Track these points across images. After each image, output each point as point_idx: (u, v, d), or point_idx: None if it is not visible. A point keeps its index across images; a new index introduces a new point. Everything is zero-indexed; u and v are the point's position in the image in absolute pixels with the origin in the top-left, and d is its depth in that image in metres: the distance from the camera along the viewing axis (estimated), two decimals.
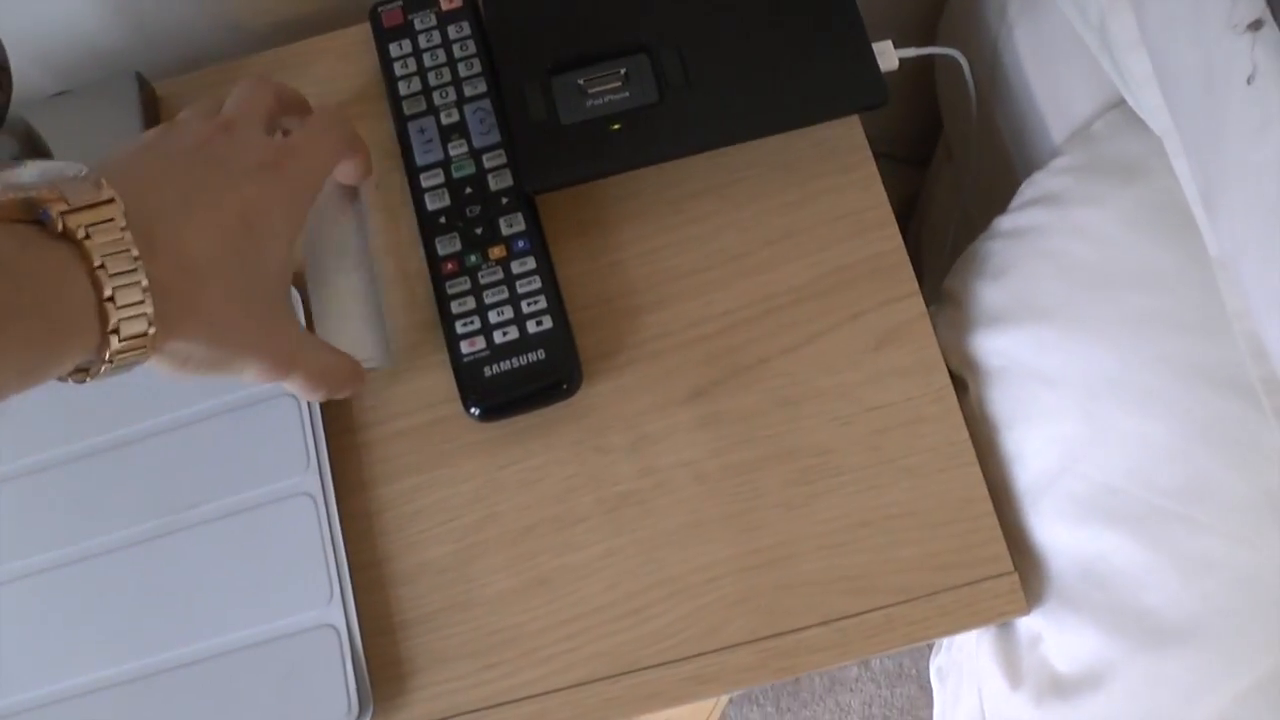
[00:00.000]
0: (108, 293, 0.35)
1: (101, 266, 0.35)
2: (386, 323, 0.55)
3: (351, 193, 0.55)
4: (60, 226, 0.35)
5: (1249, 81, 0.36)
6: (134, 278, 0.36)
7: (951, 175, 0.80)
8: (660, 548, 0.51)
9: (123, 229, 0.36)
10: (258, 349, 0.42)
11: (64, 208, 0.35)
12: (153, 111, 0.62)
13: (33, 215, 0.35)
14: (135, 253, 0.36)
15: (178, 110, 0.58)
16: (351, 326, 0.53)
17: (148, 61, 0.65)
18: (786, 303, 0.54)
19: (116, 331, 0.36)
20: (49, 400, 0.52)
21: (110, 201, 0.36)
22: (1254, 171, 0.36)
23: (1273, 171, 0.35)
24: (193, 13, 0.65)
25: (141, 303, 0.36)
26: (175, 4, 0.64)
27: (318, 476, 0.53)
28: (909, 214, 0.97)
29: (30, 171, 0.36)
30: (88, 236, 0.35)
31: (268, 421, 0.54)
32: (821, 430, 0.52)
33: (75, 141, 0.60)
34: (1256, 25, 0.36)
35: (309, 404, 0.54)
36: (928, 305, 0.54)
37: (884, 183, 0.56)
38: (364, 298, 0.54)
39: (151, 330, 0.37)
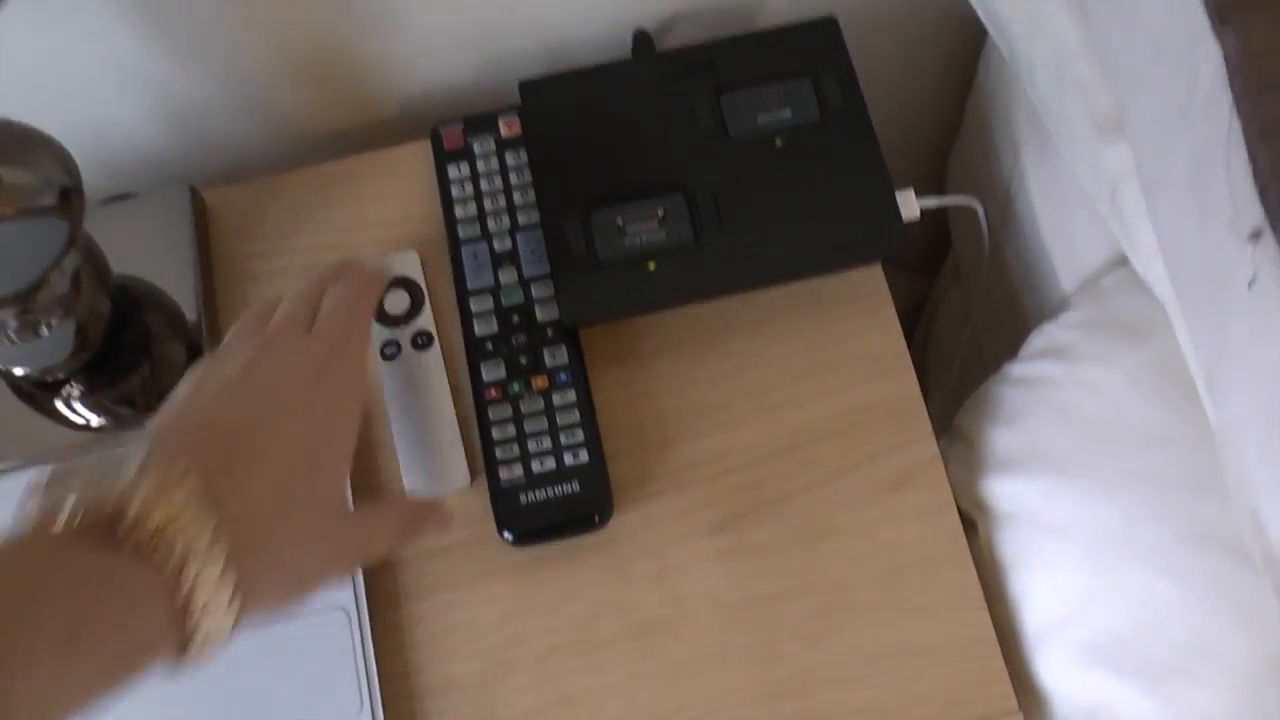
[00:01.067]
0: (186, 594, 0.36)
1: (185, 566, 0.36)
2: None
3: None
4: (135, 534, 0.35)
5: (1250, 285, 0.40)
6: (213, 570, 0.36)
7: (960, 296, 0.84)
8: (681, 675, 0.55)
9: (199, 508, 0.36)
10: (326, 574, 0.44)
11: (137, 508, 0.35)
12: (203, 221, 0.65)
13: (110, 523, 0.36)
14: (210, 534, 0.36)
15: (227, 220, 0.63)
16: (442, 460, 0.57)
17: (199, 168, 0.69)
18: (809, 440, 0.58)
19: (195, 632, 0.37)
20: None
21: (184, 475, 0.37)
22: (1255, 370, 0.40)
23: (1273, 373, 0.39)
24: (245, 124, 0.69)
25: (222, 600, 0.37)
26: (228, 115, 0.69)
27: (353, 592, 0.56)
28: (915, 321, 1.01)
29: (111, 465, 0.37)
30: (165, 532, 0.36)
31: None
32: (838, 566, 0.56)
33: (129, 248, 0.63)
34: (1256, 235, 0.40)
35: None
36: (938, 437, 0.58)
37: (891, 288, 0.60)
38: (448, 428, 0.57)
39: (230, 621, 0.37)
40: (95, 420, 0.63)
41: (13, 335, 0.58)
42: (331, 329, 0.47)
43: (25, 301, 0.56)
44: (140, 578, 0.35)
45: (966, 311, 0.80)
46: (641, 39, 0.66)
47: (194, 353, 0.63)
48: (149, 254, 0.65)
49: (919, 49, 0.75)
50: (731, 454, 0.58)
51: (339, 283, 0.49)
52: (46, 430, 0.63)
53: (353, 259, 0.56)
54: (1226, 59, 0.41)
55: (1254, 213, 0.40)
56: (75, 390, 0.63)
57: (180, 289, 0.64)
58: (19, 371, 0.61)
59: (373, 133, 0.70)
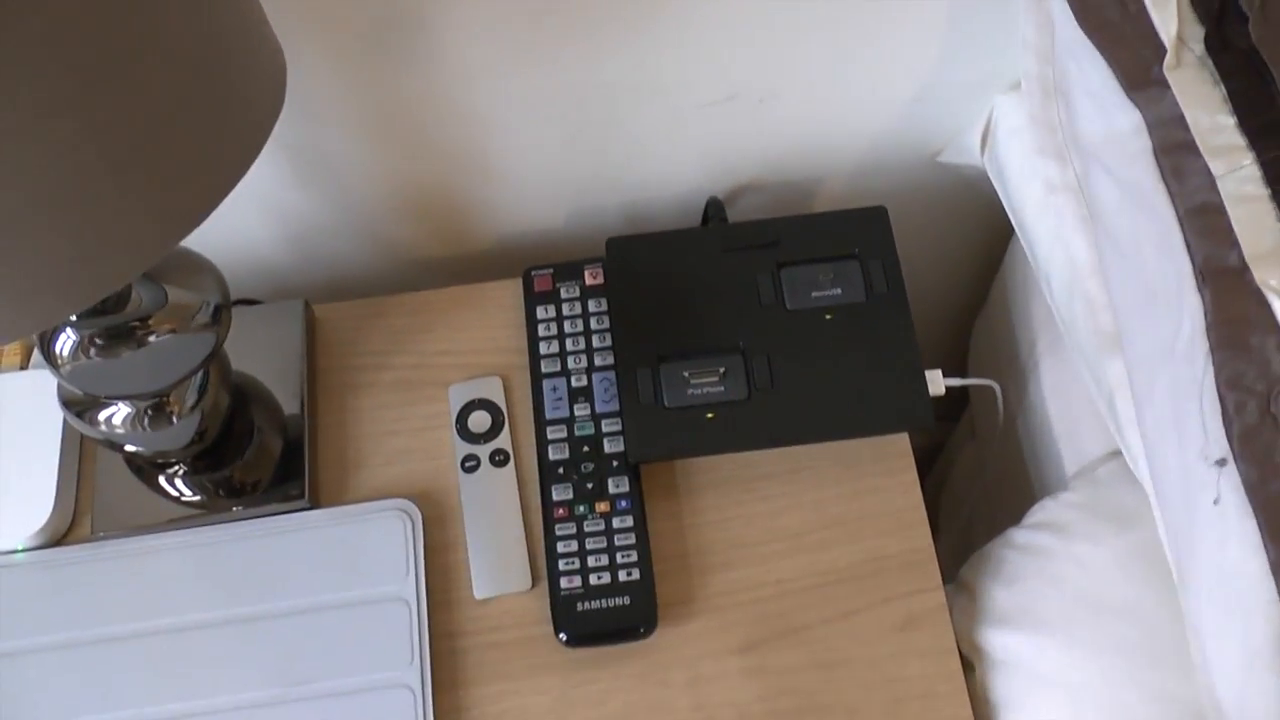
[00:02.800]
0: None
1: None
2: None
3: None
4: None
5: (1215, 503, 0.50)
6: None
7: (974, 455, 0.94)
8: None
9: None
10: None
11: None
12: (312, 332, 0.76)
13: None
14: None
15: (333, 333, 0.73)
16: (508, 565, 0.67)
17: (310, 282, 0.80)
18: (831, 580, 0.68)
19: None
20: (193, 571, 0.66)
21: None
22: (1215, 574, 0.50)
23: (1230, 579, 0.49)
24: (355, 247, 0.81)
25: None
26: (341, 239, 0.80)
27: (419, 672, 0.65)
28: (929, 463, 1.11)
29: None
30: None
31: (383, 619, 0.67)
32: (850, 693, 0.65)
33: (246, 349, 0.74)
34: (1222, 462, 0.50)
35: (420, 609, 0.66)
36: (945, 583, 0.68)
37: (910, 435, 0.69)
38: (516, 537, 0.68)
39: None
40: (191, 497, 0.73)
41: (146, 424, 0.68)
42: None
43: (165, 396, 0.67)
44: None
45: (979, 470, 0.91)
46: (715, 207, 0.77)
47: (292, 448, 0.73)
48: (264, 356, 0.75)
49: (954, 238, 0.86)
50: (763, 585, 0.68)
51: None
52: (149, 504, 0.73)
53: None
54: (1205, 314, 0.51)
55: (1220, 445, 0.50)
56: (182, 470, 0.73)
57: (287, 390, 0.74)
58: (143, 452, 0.71)
59: (467, 264, 0.81)
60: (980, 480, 0.91)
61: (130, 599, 0.69)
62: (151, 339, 0.62)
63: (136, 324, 0.61)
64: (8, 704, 0.67)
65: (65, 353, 0.61)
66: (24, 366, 0.77)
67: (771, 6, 0.65)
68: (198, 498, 0.73)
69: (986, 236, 0.86)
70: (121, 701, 0.66)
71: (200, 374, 0.68)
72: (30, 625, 0.68)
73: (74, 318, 0.60)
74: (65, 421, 0.73)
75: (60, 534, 0.72)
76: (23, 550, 0.71)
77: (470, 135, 0.72)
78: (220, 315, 0.63)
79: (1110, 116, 0.57)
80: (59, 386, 0.68)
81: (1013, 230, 0.78)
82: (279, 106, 0.50)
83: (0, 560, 0.71)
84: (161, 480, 0.73)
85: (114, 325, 0.61)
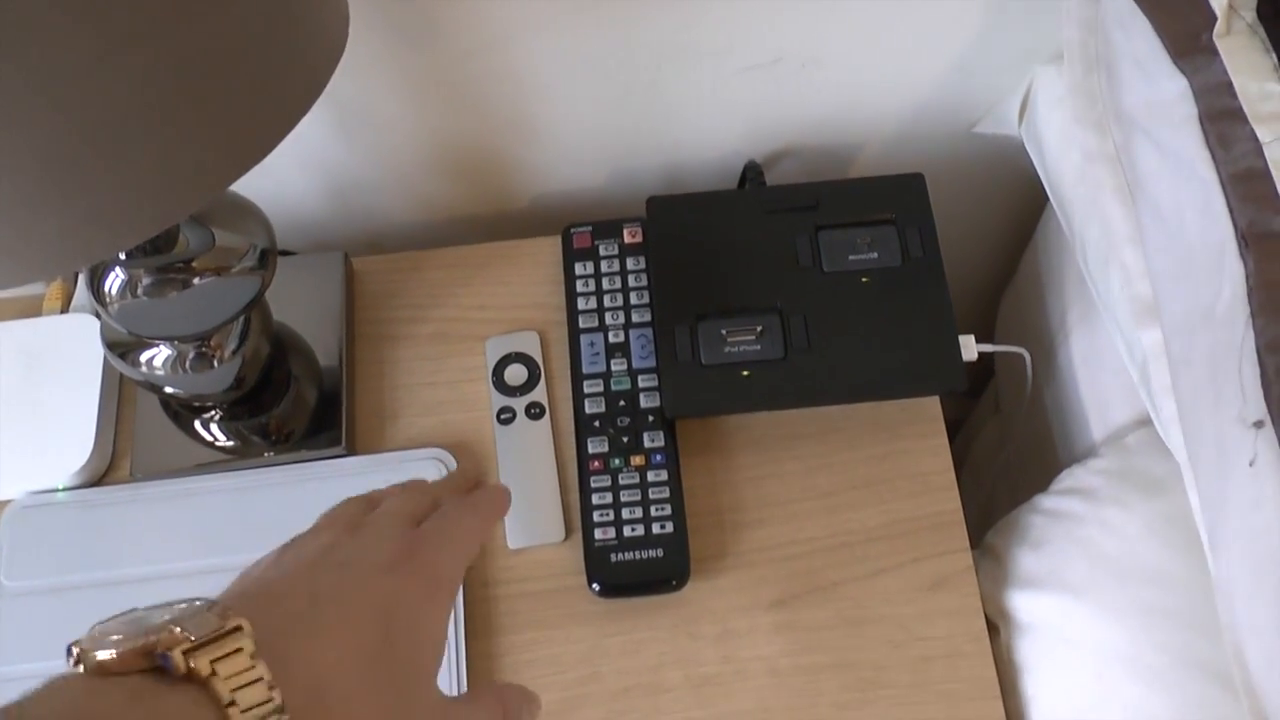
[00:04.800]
0: None
1: (232, 704, 0.33)
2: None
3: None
4: (183, 668, 0.33)
5: (1250, 464, 0.52)
6: (268, 709, 0.33)
7: (997, 428, 0.96)
8: None
9: (252, 656, 0.34)
10: None
11: (186, 646, 0.33)
12: (350, 284, 0.77)
13: (153, 663, 0.33)
14: (268, 678, 0.33)
15: (371, 285, 0.74)
16: (541, 516, 0.69)
17: (347, 236, 0.81)
18: (861, 539, 0.69)
19: None
20: (231, 514, 0.67)
21: (236, 630, 0.34)
22: (1247, 534, 0.52)
23: (1262, 539, 0.51)
24: (394, 203, 0.82)
25: None
26: (381, 194, 0.81)
27: (450, 618, 0.67)
28: (952, 436, 1.12)
29: (159, 613, 0.35)
30: (214, 673, 0.33)
31: None
32: (877, 649, 0.67)
33: (286, 299, 0.75)
34: (1259, 424, 0.52)
35: None
36: (972, 547, 0.69)
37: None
38: (550, 489, 0.69)
39: None
40: (227, 443, 0.74)
41: (188, 366, 0.69)
42: (441, 528, 0.46)
43: (208, 339, 0.68)
44: (183, 703, 0.33)
45: (1001, 445, 0.92)
46: (753, 170, 0.78)
47: (329, 397, 0.74)
48: (302, 307, 0.76)
49: (984, 208, 0.87)
50: (793, 543, 0.69)
51: (474, 492, 0.51)
52: (186, 448, 0.74)
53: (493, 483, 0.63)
54: (1247, 279, 0.52)
55: (1259, 407, 0.51)
56: (219, 415, 0.75)
57: (324, 341, 0.75)
58: (182, 395, 0.72)
59: (503, 222, 0.82)
60: (1002, 455, 0.93)
61: (170, 539, 0.70)
62: (196, 281, 0.63)
63: (183, 266, 0.62)
64: (45, 638, 0.68)
65: (114, 292, 0.62)
66: (64, 310, 0.78)
67: None
68: (235, 443, 0.74)
69: (1017, 208, 0.87)
70: None
71: (242, 320, 0.69)
72: (70, 562, 0.70)
73: (123, 257, 0.61)
74: (105, 365, 0.75)
75: (99, 475, 0.73)
76: (63, 489, 0.72)
77: (513, 94, 0.73)
78: (266, 260, 0.64)
79: (1156, 84, 0.58)
80: (102, 328, 0.69)
81: (1045, 202, 0.79)
82: (340, 50, 0.51)
83: (41, 499, 0.72)
84: (199, 425, 0.75)
85: (161, 266, 0.62)
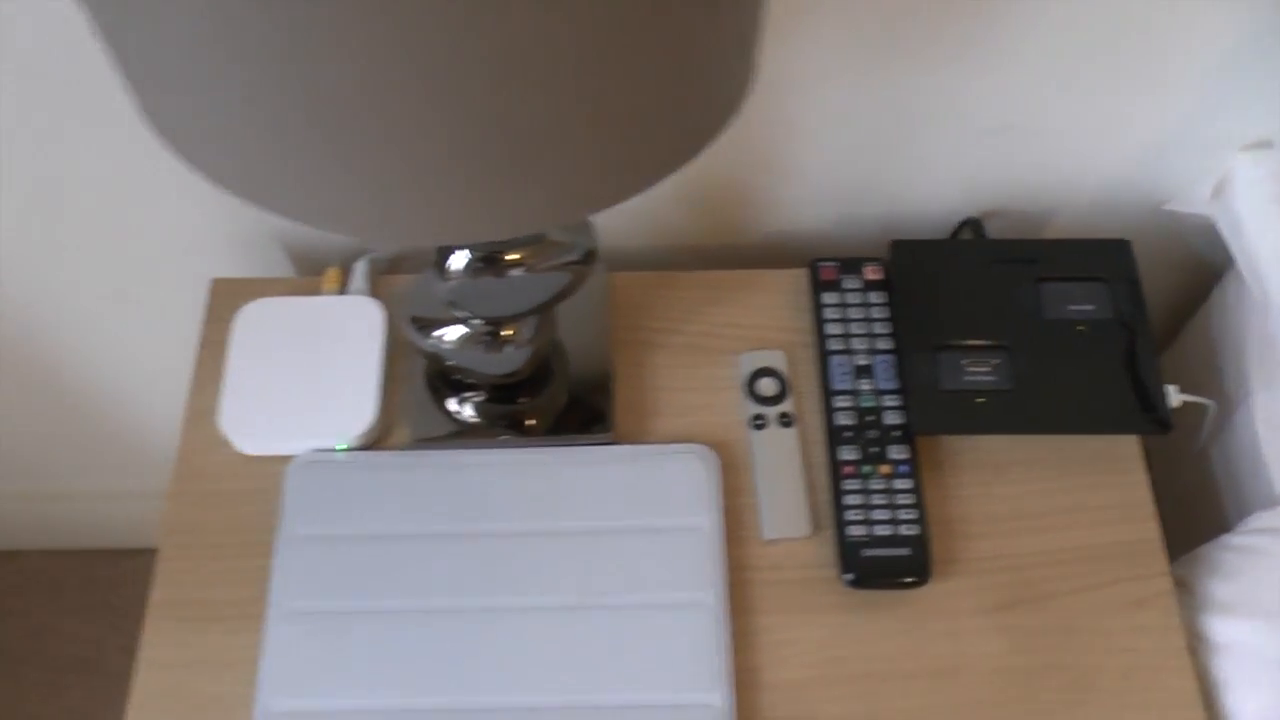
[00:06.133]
0: None
1: None
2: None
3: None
4: None
5: None
6: None
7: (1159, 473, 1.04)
8: (961, 713, 0.73)
9: None
10: None
11: None
12: (612, 296, 0.85)
13: None
14: None
15: (629, 299, 0.82)
16: (792, 512, 0.76)
17: (612, 257, 0.89)
18: (1070, 559, 0.78)
19: None
20: (503, 486, 0.74)
21: None
22: None
23: None
24: (631, 225, 0.90)
25: None
26: (620, 216, 0.89)
27: (718, 595, 0.74)
28: None
29: None
30: None
31: (683, 546, 0.75)
32: (1087, 657, 0.75)
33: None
34: None
35: (718, 541, 0.75)
36: None
37: None
38: (799, 488, 0.77)
39: None
40: (497, 422, 0.81)
41: (484, 345, 0.77)
42: None
43: (511, 325, 0.76)
44: None
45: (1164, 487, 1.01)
46: (974, 225, 0.88)
47: (595, 391, 0.82)
48: (570, 309, 0.84)
49: (1160, 271, 0.97)
50: (1010, 556, 0.78)
51: None
52: (457, 423, 0.81)
53: None
54: None
55: None
56: (491, 396, 0.82)
57: (590, 342, 0.83)
58: (468, 372, 0.79)
59: (726, 254, 0.91)
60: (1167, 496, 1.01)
61: (438, 503, 0.77)
62: (517, 270, 0.70)
63: (516, 253, 0.70)
64: (322, 579, 0.75)
65: (456, 268, 0.69)
66: (341, 292, 0.85)
67: (1066, 48, 0.76)
68: (505, 423, 0.81)
69: (1184, 279, 0.98)
70: (432, 591, 0.74)
71: (543, 315, 0.77)
72: (346, 515, 0.77)
73: None
74: (385, 341, 0.82)
75: (374, 440, 0.80)
76: (343, 449, 0.79)
77: (777, 136, 0.83)
78: (587, 258, 0.72)
79: None
80: (407, 300, 0.77)
81: (1218, 274, 0.89)
82: (738, 106, 0.55)
83: (321, 457, 0.79)
84: (473, 402, 0.82)
85: (498, 250, 0.69)
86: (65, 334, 1.06)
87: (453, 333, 0.76)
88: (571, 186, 0.50)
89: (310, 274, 0.90)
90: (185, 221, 0.90)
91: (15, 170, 0.84)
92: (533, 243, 0.69)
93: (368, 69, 0.41)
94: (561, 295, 0.73)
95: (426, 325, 0.77)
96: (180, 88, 0.45)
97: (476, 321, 0.76)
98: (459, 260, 0.69)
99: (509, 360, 0.78)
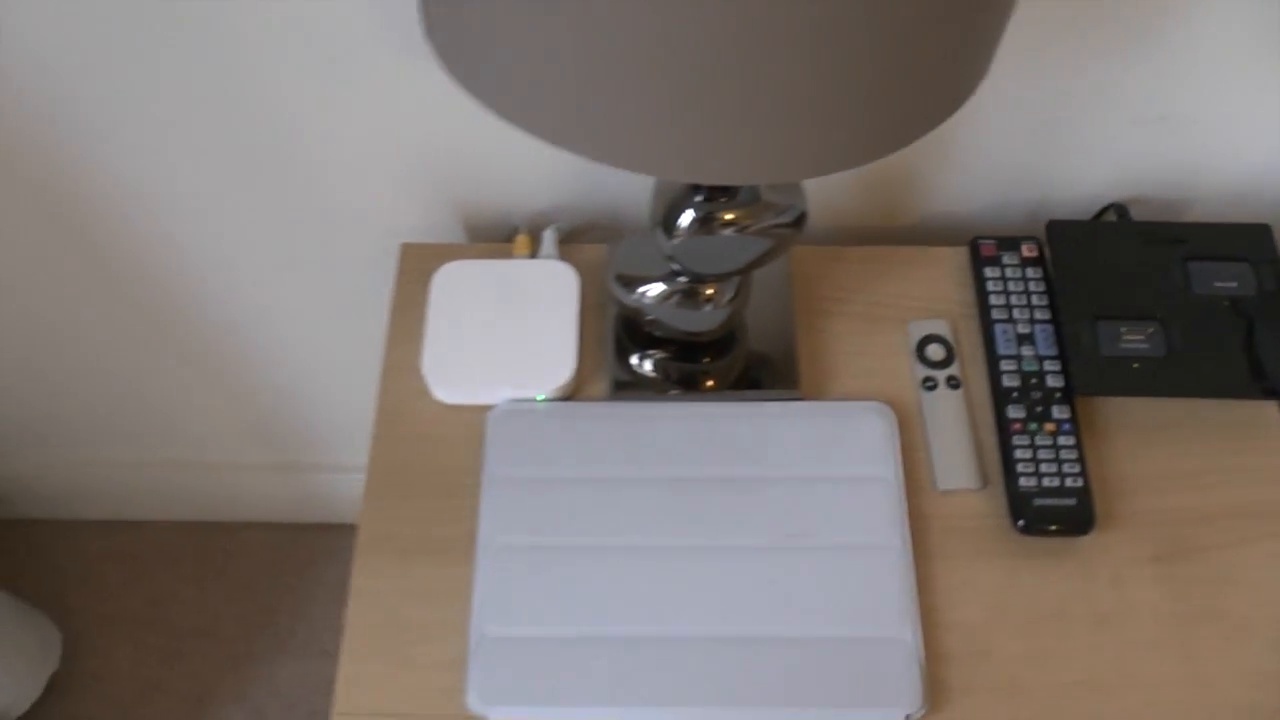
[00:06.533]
0: None
1: None
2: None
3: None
4: None
5: None
6: None
7: None
8: (1125, 653, 0.78)
9: None
10: None
11: None
12: (790, 269, 0.91)
13: None
14: None
15: (805, 271, 0.88)
16: (963, 465, 0.82)
17: None
18: (1223, 515, 0.83)
19: None
20: (697, 436, 0.80)
21: None
22: None
23: None
24: (815, 209, 0.96)
25: None
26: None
27: (903, 539, 0.80)
28: None
29: None
30: None
31: (868, 493, 0.81)
32: (1242, 606, 0.80)
33: None
34: None
35: (899, 489, 0.81)
36: None
37: None
38: (968, 444, 0.83)
39: None
40: (690, 377, 0.87)
41: (686, 303, 0.83)
42: None
43: (714, 285, 0.82)
44: None
45: None
46: (1119, 209, 0.94)
47: (782, 351, 0.87)
48: (756, 280, 0.90)
49: None
50: (1168, 511, 0.83)
51: None
52: (659, 376, 0.87)
53: None
54: None
55: None
56: (681, 352, 0.88)
57: (774, 307, 0.89)
58: (665, 328, 0.85)
59: (890, 234, 0.97)
60: None
61: (639, 450, 0.83)
62: (730, 230, 0.76)
63: (733, 212, 0.76)
64: (524, 517, 0.81)
65: (683, 225, 0.75)
66: (532, 255, 0.92)
67: (1231, 41, 0.82)
68: (695, 379, 0.87)
69: None
70: (634, 530, 0.80)
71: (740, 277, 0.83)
72: (545, 459, 0.83)
73: (698, 198, 0.75)
74: (580, 302, 0.88)
75: (571, 392, 0.86)
76: (543, 399, 0.85)
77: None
78: (798, 221, 0.78)
79: None
80: (613, 259, 0.83)
81: None
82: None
83: (519, 406, 0.85)
84: (662, 360, 0.88)
85: (719, 210, 0.75)
86: (230, 302, 1.12)
87: (654, 289, 0.83)
88: (856, 136, 0.56)
89: (478, 241, 0.97)
90: (367, 189, 0.97)
91: (224, 140, 0.91)
92: (750, 203, 0.75)
93: (720, 22, 0.48)
94: (768, 257, 0.79)
95: (630, 283, 0.83)
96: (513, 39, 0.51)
97: (681, 280, 0.82)
98: (686, 218, 0.75)
99: (708, 318, 0.84)
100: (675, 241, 0.76)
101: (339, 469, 1.44)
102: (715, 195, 0.75)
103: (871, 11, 0.49)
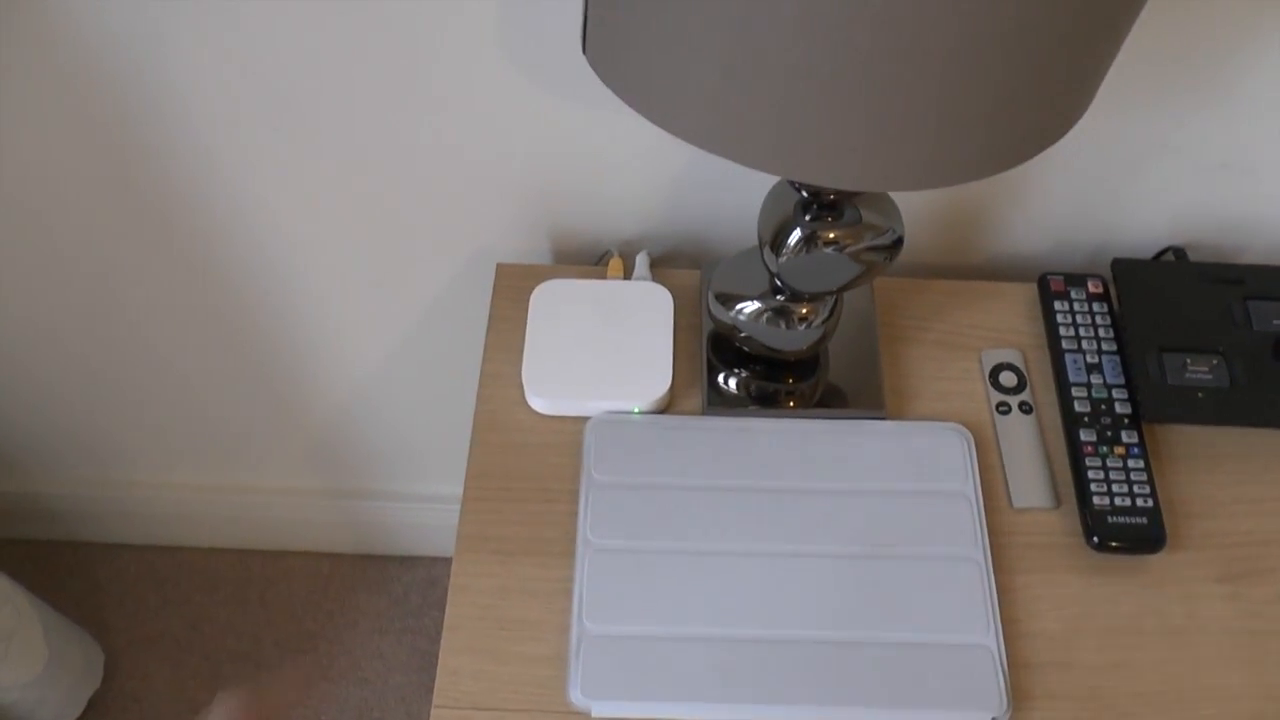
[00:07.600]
0: None
1: None
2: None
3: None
4: None
5: None
6: None
7: None
8: (1199, 668, 0.82)
9: None
10: None
11: None
12: (874, 297, 0.96)
13: None
14: None
15: (888, 299, 0.93)
16: (1037, 485, 0.86)
17: None
18: None
19: None
20: (788, 450, 0.84)
21: None
22: None
23: None
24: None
25: None
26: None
27: (983, 552, 0.84)
28: None
29: None
30: None
31: (950, 508, 0.85)
32: None
33: None
34: None
35: (979, 505, 0.85)
36: None
37: None
38: (1043, 466, 0.87)
39: None
40: (779, 394, 0.91)
41: (773, 317, 0.87)
42: None
43: (809, 304, 0.87)
44: None
45: None
46: (1176, 251, 0.99)
47: (867, 373, 0.92)
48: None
49: None
50: (1232, 534, 0.88)
51: None
52: (743, 394, 0.91)
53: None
54: None
55: None
56: (770, 370, 0.92)
57: (858, 331, 0.94)
58: (747, 339, 0.89)
59: (957, 271, 1.02)
60: None
61: (732, 461, 0.87)
62: (832, 250, 0.80)
63: (837, 232, 0.80)
64: (624, 521, 0.84)
65: (791, 243, 0.80)
66: (625, 277, 0.96)
67: None
68: (784, 397, 0.92)
69: None
70: (727, 536, 0.84)
71: (837, 298, 0.87)
72: (642, 467, 0.87)
73: (806, 217, 0.79)
74: (674, 321, 0.92)
75: (666, 405, 0.90)
76: (639, 411, 0.89)
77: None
78: (896, 245, 0.83)
79: None
80: (711, 278, 0.88)
81: None
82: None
83: (616, 417, 0.89)
84: (751, 378, 0.92)
85: (823, 229, 0.80)
86: (307, 320, 1.16)
87: (750, 307, 0.87)
88: (984, 149, 0.61)
89: (562, 262, 1.02)
90: (466, 215, 1.01)
91: (318, 153, 0.96)
92: (853, 224, 0.80)
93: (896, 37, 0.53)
94: (863, 278, 0.83)
95: (728, 301, 0.88)
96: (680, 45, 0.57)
97: (778, 299, 0.86)
98: (794, 237, 0.80)
99: (801, 338, 0.89)
100: (783, 259, 0.81)
101: (388, 497, 1.46)
102: (821, 215, 0.80)
103: (1020, 30, 0.55)
